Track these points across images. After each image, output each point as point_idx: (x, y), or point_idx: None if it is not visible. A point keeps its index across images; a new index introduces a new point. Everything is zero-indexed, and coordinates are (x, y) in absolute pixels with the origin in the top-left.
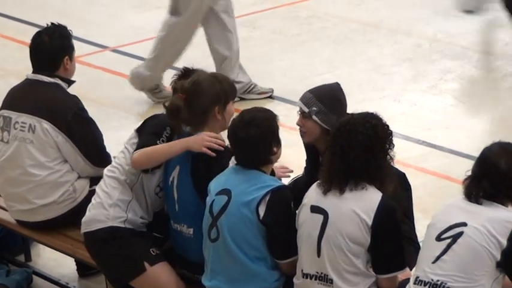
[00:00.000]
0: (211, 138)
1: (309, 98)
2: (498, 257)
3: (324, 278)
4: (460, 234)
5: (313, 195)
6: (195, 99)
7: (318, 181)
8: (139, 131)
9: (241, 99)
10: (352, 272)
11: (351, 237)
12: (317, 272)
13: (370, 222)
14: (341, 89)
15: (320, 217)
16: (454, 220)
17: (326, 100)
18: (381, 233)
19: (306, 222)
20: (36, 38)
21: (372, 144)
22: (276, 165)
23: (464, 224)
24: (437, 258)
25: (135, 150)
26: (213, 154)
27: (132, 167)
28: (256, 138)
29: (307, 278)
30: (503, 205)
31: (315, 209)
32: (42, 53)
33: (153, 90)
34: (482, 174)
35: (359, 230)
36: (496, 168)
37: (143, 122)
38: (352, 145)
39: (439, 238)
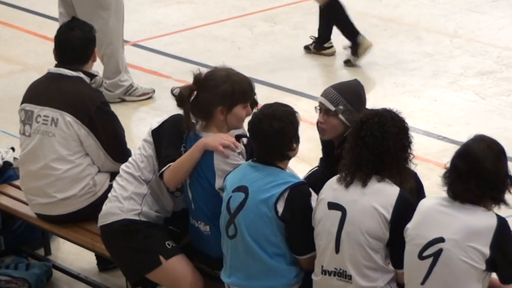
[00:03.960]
0: (229, 139)
1: (335, 96)
2: (482, 266)
3: (342, 274)
4: (440, 252)
5: (329, 191)
6: (201, 93)
7: (338, 176)
8: (156, 133)
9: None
10: (371, 268)
11: (370, 233)
12: (335, 268)
13: (389, 217)
14: (362, 86)
15: (338, 213)
16: (432, 235)
17: (352, 99)
18: (400, 228)
19: (324, 219)
20: (66, 31)
21: (402, 137)
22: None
23: (442, 240)
24: (424, 279)
25: (161, 164)
26: (228, 154)
27: (169, 188)
28: (279, 131)
29: (325, 274)
30: (485, 207)
31: (332, 206)
32: (75, 47)
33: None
34: (469, 174)
35: (378, 225)
36: (485, 169)
37: (160, 125)
38: (386, 137)
39: (421, 256)
